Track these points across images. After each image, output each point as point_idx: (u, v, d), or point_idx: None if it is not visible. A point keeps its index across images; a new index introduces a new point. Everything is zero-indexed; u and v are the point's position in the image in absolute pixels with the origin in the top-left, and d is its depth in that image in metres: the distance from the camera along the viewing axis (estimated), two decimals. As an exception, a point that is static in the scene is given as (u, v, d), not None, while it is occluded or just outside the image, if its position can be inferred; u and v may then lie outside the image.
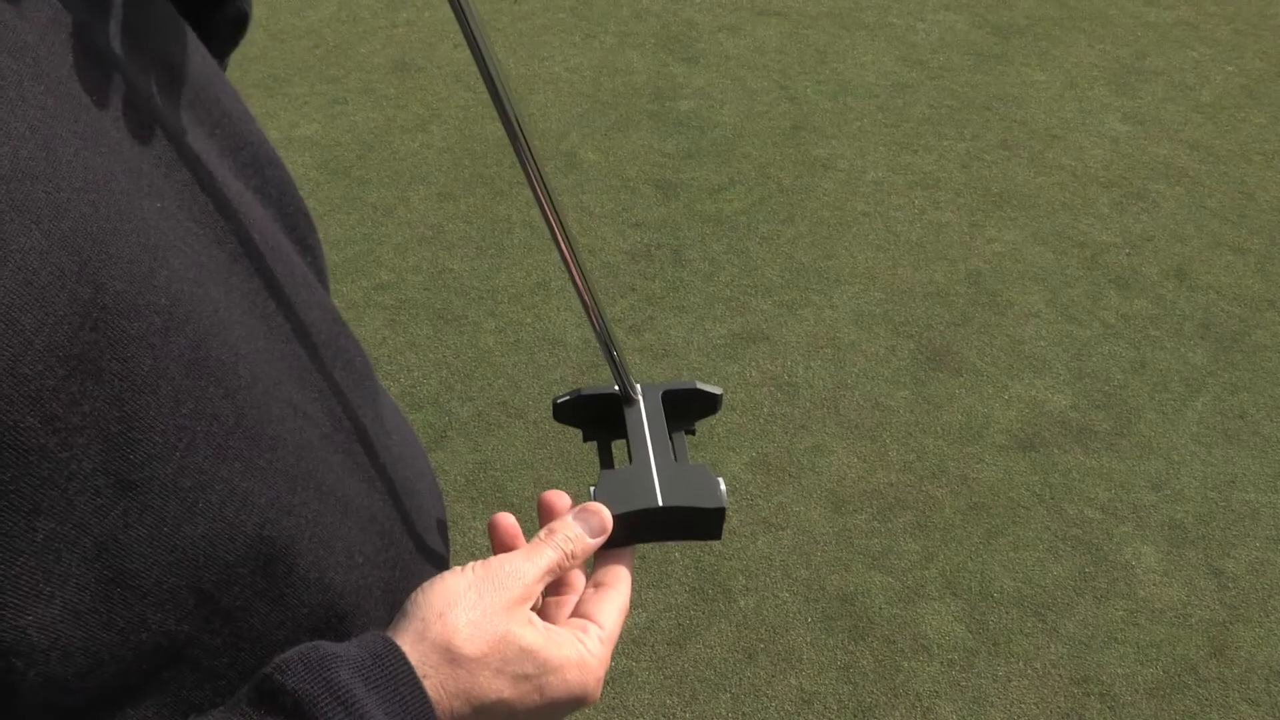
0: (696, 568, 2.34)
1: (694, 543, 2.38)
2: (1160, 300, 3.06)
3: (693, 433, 0.80)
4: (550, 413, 0.67)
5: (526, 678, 0.55)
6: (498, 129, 3.69)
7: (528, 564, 0.59)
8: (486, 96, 3.84)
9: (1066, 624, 2.25)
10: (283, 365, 0.57)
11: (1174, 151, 3.65)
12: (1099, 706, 2.11)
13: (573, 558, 0.62)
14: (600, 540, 0.64)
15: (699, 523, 0.70)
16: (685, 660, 2.18)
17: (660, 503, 0.69)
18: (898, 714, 2.09)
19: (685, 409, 0.79)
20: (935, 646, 2.21)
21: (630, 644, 2.20)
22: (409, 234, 3.25)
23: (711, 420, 2.66)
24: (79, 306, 0.43)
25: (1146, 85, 4.00)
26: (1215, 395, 2.77)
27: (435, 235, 3.25)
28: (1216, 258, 3.21)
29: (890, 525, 2.44)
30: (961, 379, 2.80)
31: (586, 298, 0.69)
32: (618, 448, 0.76)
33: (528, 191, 3.41)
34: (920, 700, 2.11)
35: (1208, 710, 2.11)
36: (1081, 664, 2.18)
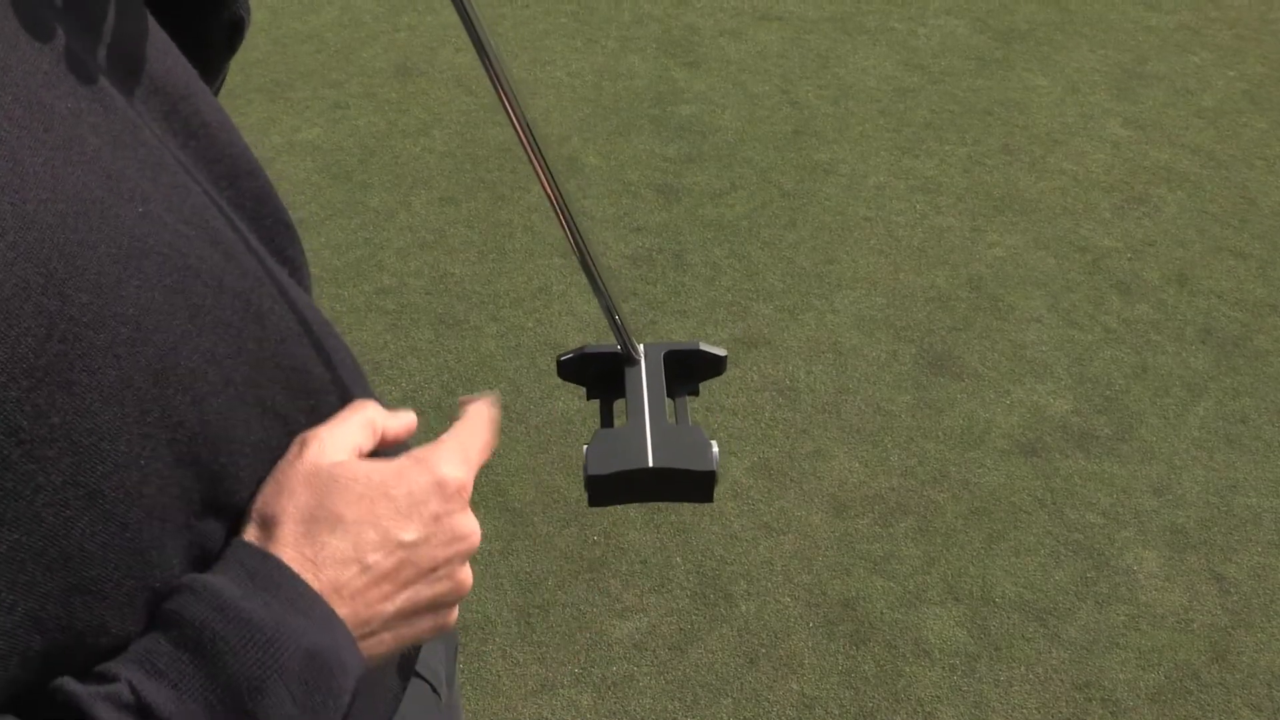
0: (698, 572, 2.34)
1: (695, 548, 2.38)
2: (1162, 305, 3.06)
3: (696, 394, 0.79)
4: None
5: (335, 480, 0.56)
6: (499, 133, 3.69)
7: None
8: (488, 101, 3.84)
9: (1068, 629, 2.25)
10: (266, 369, 0.57)
11: (1175, 156, 3.65)
12: (1101, 712, 2.11)
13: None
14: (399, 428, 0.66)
15: (689, 485, 0.69)
16: (686, 665, 2.18)
17: (650, 463, 0.68)
18: (899, 719, 2.09)
19: (688, 370, 0.78)
20: (937, 651, 2.20)
21: (631, 649, 2.20)
22: (410, 238, 3.25)
23: (713, 424, 2.66)
24: (45, 319, 0.43)
25: (1148, 90, 4.00)
26: (1217, 400, 2.77)
27: (437, 240, 3.25)
28: (1218, 262, 3.21)
29: (891, 530, 2.43)
30: (963, 384, 2.80)
31: (584, 253, 0.67)
32: (621, 409, 0.75)
33: (529, 196, 3.41)
34: (922, 705, 2.11)
35: (1210, 715, 2.10)
36: (1083, 669, 2.18)
